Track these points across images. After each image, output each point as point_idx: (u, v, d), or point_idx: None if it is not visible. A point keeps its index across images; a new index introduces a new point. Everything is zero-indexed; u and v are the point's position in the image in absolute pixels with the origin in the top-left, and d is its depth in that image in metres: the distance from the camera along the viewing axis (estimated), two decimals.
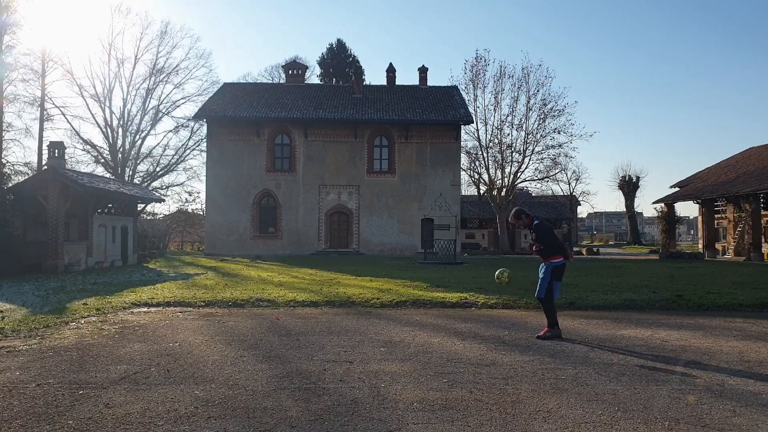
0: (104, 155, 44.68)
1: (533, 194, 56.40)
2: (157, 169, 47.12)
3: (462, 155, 38.01)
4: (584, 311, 9.84)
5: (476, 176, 46.67)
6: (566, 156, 51.61)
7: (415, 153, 32.76)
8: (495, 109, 42.99)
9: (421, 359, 6.03)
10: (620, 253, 46.46)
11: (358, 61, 55.88)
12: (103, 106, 44.03)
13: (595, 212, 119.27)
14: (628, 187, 74.56)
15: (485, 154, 43.28)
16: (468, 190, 52.45)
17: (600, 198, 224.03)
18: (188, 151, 47.64)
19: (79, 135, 43.74)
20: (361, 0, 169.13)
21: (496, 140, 42.67)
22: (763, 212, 30.11)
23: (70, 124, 43.36)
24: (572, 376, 5.34)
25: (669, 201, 37.59)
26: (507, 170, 43.00)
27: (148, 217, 44.96)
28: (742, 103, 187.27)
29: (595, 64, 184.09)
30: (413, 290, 12.33)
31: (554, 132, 42.08)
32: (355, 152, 32.68)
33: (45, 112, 39.58)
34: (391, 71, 38.20)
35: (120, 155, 44.38)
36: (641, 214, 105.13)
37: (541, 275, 7.30)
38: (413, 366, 5.72)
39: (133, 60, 45.47)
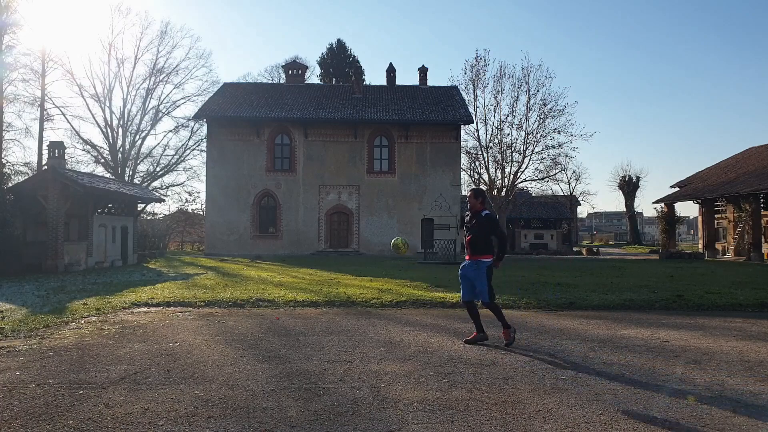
0: (104, 155, 44.72)
1: (533, 194, 56.40)
2: (157, 169, 47.17)
3: (462, 155, 38.02)
4: (584, 311, 9.83)
5: (476, 176, 46.68)
6: (566, 156, 51.70)
7: (415, 153, 32.75)
8: (495, 109, 43.13)
9: (421, 359, 6.03)
10: (620, 253, 46.48)
11: (358, 61, 55.89)
12: (103, 106, 44.09)
13: (595, 212, 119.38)
14: (628, 187, 74.62)
15: (485, 154, 43.35)
16: (468, 190, 52.44)
17: (600, 198, 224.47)
18: (188, 151, 47.72)
19: (79, 135, 43.82)
20: (361, 0, 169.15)
21: (496, 140, 42.74)
22: (763, 212, 30.11)
23: (70, 124, 43.45)
24: (572, 376, 5.34)
25: (669, 201, 37.61)
26: (507, 170, 43.06)
27: (148, 217, 44.99)
28: (742, 103, 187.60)
29: (595, 64, 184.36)
30: (413, 290, 12.33)
31: (554, 132, 42.18)
32: (355, 152, 32.68)
33: (45, 112, 39.63)
34: (391, 71, 38.21)
35: (120, 155, 44.38)
36: (641, 214, 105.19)
37: (474, 278, 6.69)
38: (413, 366, 5.71)
39: (133, 60, 45.59)
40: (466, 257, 6.87)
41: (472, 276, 6.76)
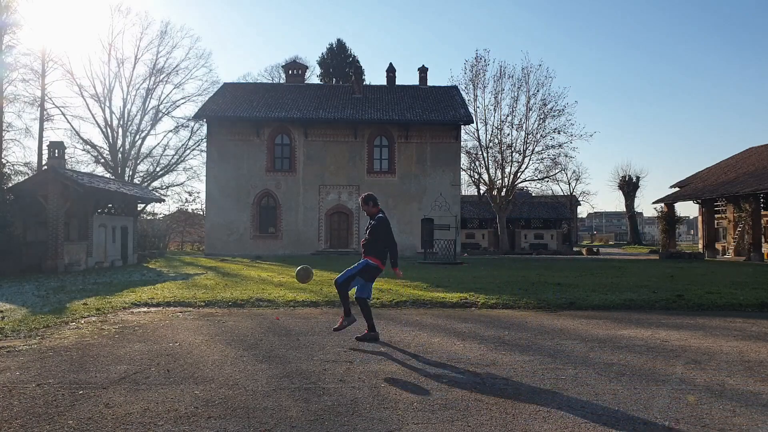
0: (104, 155, 44.73)
1: (533, 194, 56.41)
2: (157, 169, 47.18)
3: (462, 155, 38.04)
4: (584, 311, 9.84)
5: (476, 176, 46.72)
6: (566, 156, 51.73)
7: (415, 153, 32.75)
8: (495, 109, 43.10)
9: (422, 359, 6.03)
10: (620, 253, 46.46)
11: (358, 61, 55.90)
12: (103, 106, 44.11)
13: (595, 212, 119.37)
14: (628, 187, 74.56)
15: (485, 154, 43.35)
16: (468, 190, 52.46)
17: (600, 198, 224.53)
18: (188, 151, 47.74)
19: (79, 135, 43.84)
20: (361, 0, 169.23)
21: (496, 140, 42.74)
22: (763, 212, 30.10)
23: (70, 124, 43.49)
24: (572, 376, 5.34)
25: (669, 201, 37.59)
26: (507, 170, 43.06)
27: (148, 217, 44.98)
28: (742, 103, 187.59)
29: (595, 64, 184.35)
30: (413, 290, 12.33)
31: (554, 132, 42.17)
32: (355, 152, 32.67)
33: (45, 112, 39.66)
34: (391, 71, 38.19)
35: (120, 155, 44.39)
36: (641, 214, 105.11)
37: (355, 266, 6.97)
38: (413, 366, 5.71)
39: (133, 60, 45.58)
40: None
41: (356, 266, 7.00)
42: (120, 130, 44.73)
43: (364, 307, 6.99)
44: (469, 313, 9.73)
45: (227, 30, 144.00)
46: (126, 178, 42.67)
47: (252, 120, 32.09)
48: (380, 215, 7.04)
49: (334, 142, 32.72)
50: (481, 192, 50.99)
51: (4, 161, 25.55)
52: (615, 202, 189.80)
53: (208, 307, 10.21)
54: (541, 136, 42.28)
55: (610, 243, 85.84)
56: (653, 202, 41.17)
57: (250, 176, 32.25)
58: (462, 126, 34.33)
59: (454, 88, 38.08)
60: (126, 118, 44.77)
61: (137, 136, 45.67)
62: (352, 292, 7.13)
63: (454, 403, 4.46)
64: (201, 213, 46.14)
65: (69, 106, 45.25)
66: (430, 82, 38.37)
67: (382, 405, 4.40)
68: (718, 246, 35.06)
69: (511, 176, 43.17)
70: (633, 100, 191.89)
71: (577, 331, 7.80)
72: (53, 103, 41.21)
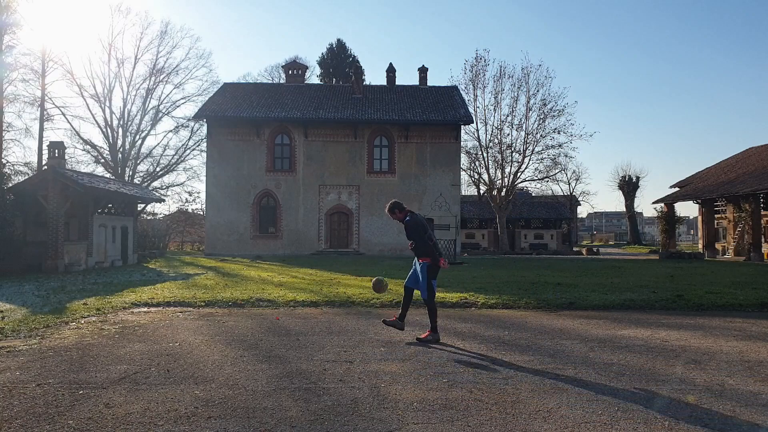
0: (104, 155, 44.69)
1: (533, 194, 56.41)
2: (157, 169, 47.13)
3: (462, 155, 38.04)
4: (584, 311, 9.83)
5: (476, 176, 46.75)
6: (566, 156, 51.99)
7: (415, 153, 32.75)
8: (495, 109, 43.12)
9: (421, 359, 6.03)
10: (620, 253, 46.46)
11: (358, 61, 55.88)
12: (103, 106, 44.05)
13: (595, 212, 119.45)
14: (628, 187, 74.57)
15: (485, 154, 43.37)
16: (468, 190, 52.49)
17: (600, 198, 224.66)
18: (188, 151, 47.66)
19: (79, 135, 43.78)
20: (361, 0, 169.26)
21: (496, 140, 42.76)
22: (763, 212, 30.10)
23: (70, 124, 43.43)
24: (572, 376, 5.34)
25: (669, 201, 37.58)
26: (507, 170, 43.08)
27: (148, 217, 44.95)
28: (742, 103, 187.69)
29: (595, 64, 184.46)
30: None
31: (554, 132, 42.18)
32: (355, 152, 32.68)
33: (45, 112, 39.60)
34: (391, 71, 38.18)
35: (120, 155, 44.36)
36: (641, 214, 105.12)
37: (420, 276, 7.13)
38: (413, 366, 5.72)
39: (133, 60, 45.49)
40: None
41: (418, 271, 7.26)
42: (120, 130, 44.71)
43: (407, 296, 7.31)
44: (469, 313, 9.73)
45: (227, 30, 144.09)
46: (126, 178, 42.64)
47: (252, 120, 32.09)
48: (408, 218, 7.22)
49: (334, 142, 32.71)
50: (481, 192, 51.01)
51: (4, 161, 25.57)
52: (615, 202, 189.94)
53: (208, 307, 10.21)
54: (541, 136, 42.34)
55: (610, 243, 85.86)
56: (653, 202, 41.16)
57: (250, 176, 32.25)
58: (462, 126, 34.33)
59: (454, 88, 38.08)
60: (126, 118, 44.76)
61: (137, 136, 45.67)
62: (417, 293, 7.40)
63: (454, 403, 4.46)
64: (201, 213, 46.11)
65: (69, 106, 45.21)
66: (430, 82, 38.36)
67: (382, 405, 4.40)
68: (718, 246, 35.06)
69: (511, 176, 43.21)
70: (633, 100, 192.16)
71: (577, 331, 7.80)
72: (53, 103, 41.19)
